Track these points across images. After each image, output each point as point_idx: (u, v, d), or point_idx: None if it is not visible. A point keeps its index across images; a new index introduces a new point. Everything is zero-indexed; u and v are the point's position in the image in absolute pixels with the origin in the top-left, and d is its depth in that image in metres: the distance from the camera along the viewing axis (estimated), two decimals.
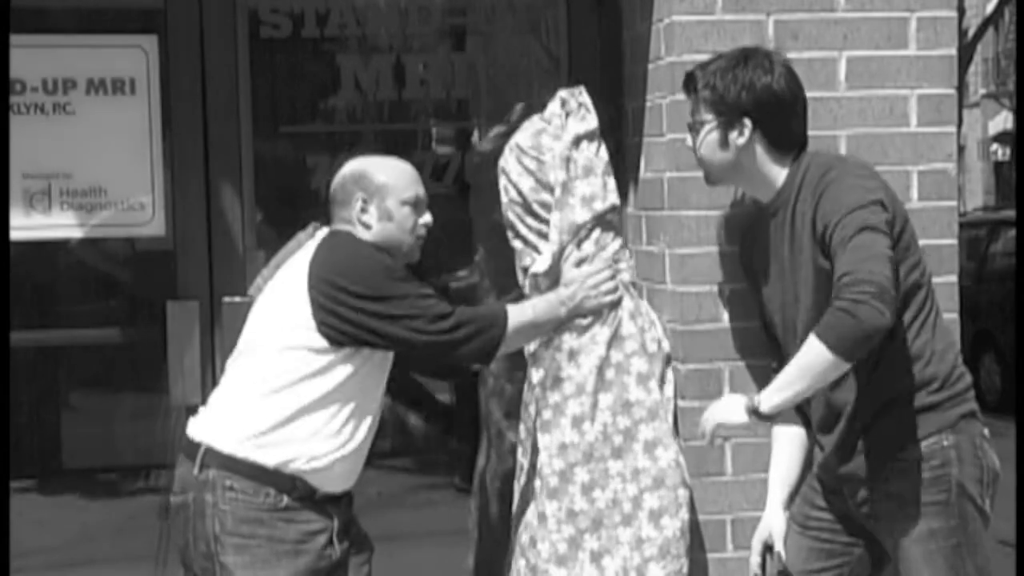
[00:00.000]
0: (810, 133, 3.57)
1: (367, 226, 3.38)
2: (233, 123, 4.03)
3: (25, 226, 3.99)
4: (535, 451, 3.60)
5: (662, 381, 3.60)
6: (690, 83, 3.37)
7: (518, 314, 3.43)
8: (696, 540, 3.60)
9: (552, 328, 3.52)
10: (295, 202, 4.54)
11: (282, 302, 3.29)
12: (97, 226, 4.07)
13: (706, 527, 3.64)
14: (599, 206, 3.57)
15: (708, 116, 3.32)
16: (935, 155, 3.69)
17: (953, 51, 3.72)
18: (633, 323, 3.58)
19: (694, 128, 3.36)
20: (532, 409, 3.63)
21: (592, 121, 3.61)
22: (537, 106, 3.75)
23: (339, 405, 3.27)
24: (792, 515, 3.47)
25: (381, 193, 3.39)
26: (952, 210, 3.71)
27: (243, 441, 3.25)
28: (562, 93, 3.66)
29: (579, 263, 3.55)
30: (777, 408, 3.13)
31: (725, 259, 3.61)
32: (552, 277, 3.56)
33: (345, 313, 3.22)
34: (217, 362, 3.97)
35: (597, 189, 3.58)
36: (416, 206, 3.42)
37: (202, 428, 3.34)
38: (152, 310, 4.13)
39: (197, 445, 3.30)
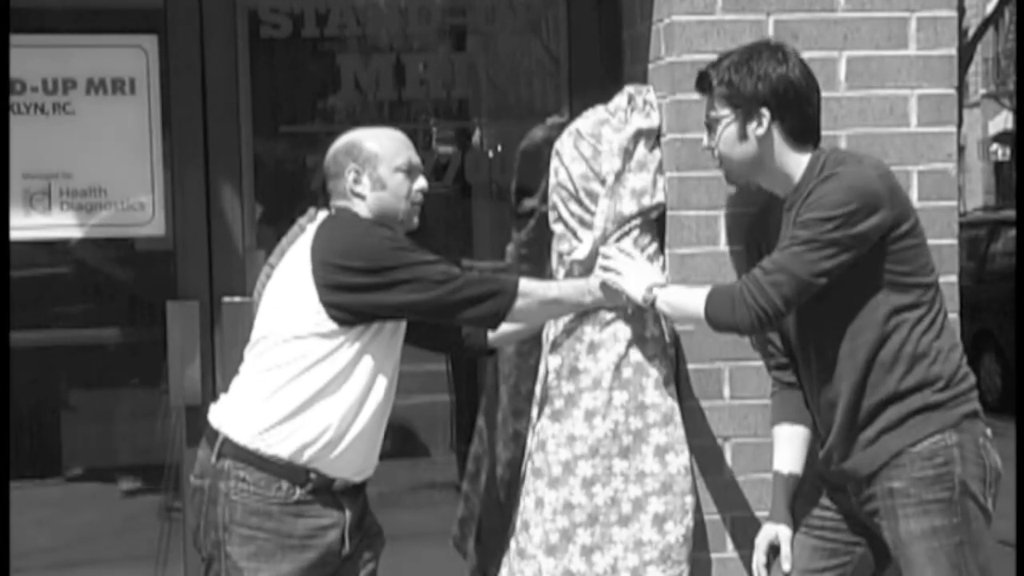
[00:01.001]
0: None
1: (361, 196, 3.37)
2: (233, 123, 4.03)
3: (25, 226, 3.99)
4: (543, 438, 3.61)
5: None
6: (704, 82, 3.37)
7: (540, 288, 3.42)
8: (696, 540, 3.60)
9: (572, 310, 3.52)
10: (295, 202, 4.53)
11: (288, 290, 3.29)
12: (97, 226, 4.07)
13: (706, 527, 3.64)
14: (647, 201, 3.59)
15: (725, 111, 3.32)
16: (935, 155, 3.69)
17: (953, 51, 3.72)
18: (658, 326, 3.58)
19: (711, 126, 3.36)
20: (545, 396, 3.64)
21: (655, 119, 3.66)
22: (536, 105, 3.76)
23: (349, 386, 3.26)
24: (796, 514, 3.47)
25: (372, 162, 3.36)
26: (952, 210, 3.71)
27: (258, 434, 3.26)
28: (629, 89, 3.70)
29: None
30: (656, 309, 3.38)
31: (725, 259, 3.61)
32: (587, 266, 3.57)
33: (350, 291, 3.22)
34: (217, 362, 3.97)
35: (647, 185, 3.60)
36: (409, 172, 3.39)
37: (221, 416, 3.35)
38: (152, 310, 4.13)
39: (216, 432, 3.32)
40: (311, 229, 3.34)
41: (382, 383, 3.32)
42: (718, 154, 3.37)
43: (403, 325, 3.39)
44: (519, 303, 3.34)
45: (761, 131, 3.29)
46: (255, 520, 3.25)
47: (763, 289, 3.15)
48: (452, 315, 3.35)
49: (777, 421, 3.49)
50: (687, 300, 3.32)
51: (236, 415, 3.31)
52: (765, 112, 3.28)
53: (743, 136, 3.31)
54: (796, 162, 3.31)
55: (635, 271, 3.44)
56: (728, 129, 3.32)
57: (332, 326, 3.23)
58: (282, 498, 3.26)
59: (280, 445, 3.25)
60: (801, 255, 3.14)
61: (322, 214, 3.40)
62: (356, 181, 3.36)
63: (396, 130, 3.48)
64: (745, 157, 3.32)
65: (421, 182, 3.43)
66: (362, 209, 3.36)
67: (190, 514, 3.35)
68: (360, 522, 3.40)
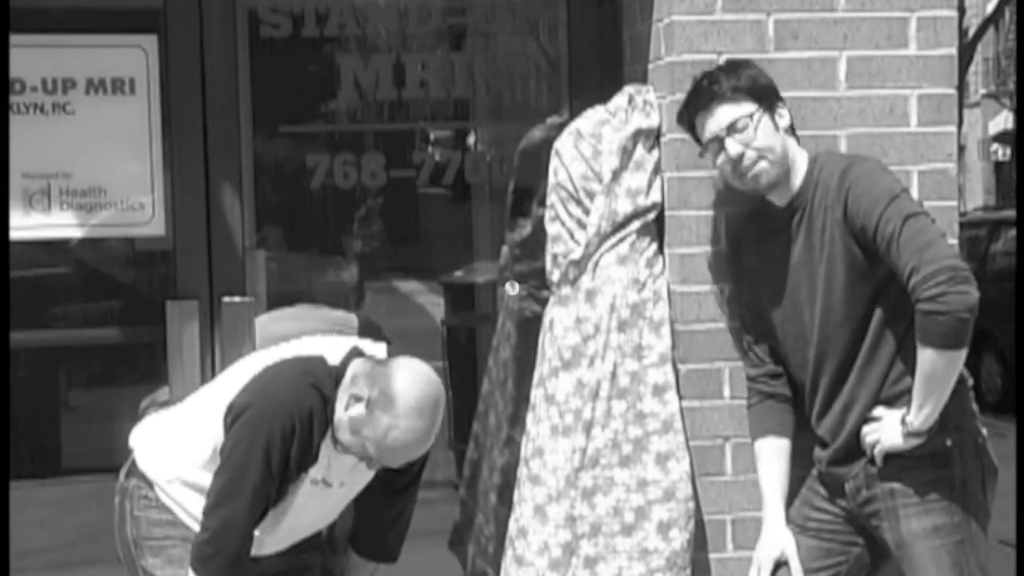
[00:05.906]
0: (810, 133, 3.58)
1: (343, 412, 3.17)
2: (233, 123, 4.02)
3: (25, 226, 3.99)
4: (538, 445, 3.60)
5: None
6: (711, 89, 3.28)
7: None
8: (696, 540, 3.60)
9: None
10: (295, 202, 4.54)
11: (222, 397, 3.27)
12: (97, 226, 4.07)
13: (706, 527, 3.64)
14: (642, 201, 3.59)
15: (750, 106, 3.27)
16: (935, 155, 3.69)
17: (953, 51, 3.72)
18: (655, 334, 3.57)
19: (737, 125, 3.26)
20: (540, 408, 3.62)
21: (655, 119, 3.65)
22: (535, 105, 3.76)
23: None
24: (791, 515, 3.48)
25: (371, 423, 3.13)
26: (952, 210, 3.71)
27: (167, 482, 3.29)
28: (629, 88, 3.70)
29: (619, 262, 3.55)
30: (930, 422, 3.15)
31: (725, 259, 3.61)
32: (583, 268, 3.56)
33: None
34: (217, 362, 3.97)
35: (643, 184, 3.60)
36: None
37: (141, 439, 3.39)
38: (152, 310, 4.13)
39: (130, 451, 3.37)
40: (273, 354, 3.29)
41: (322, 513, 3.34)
42: (757, 149, 3.26)
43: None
44: None
45: (785, 122, 3.31)
46: (159, 531, 3.28)
47: (933, 271, 3.03)
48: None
49: (761, 434, 3.47)
50: (926, 380, 3.13)
51: (154, 449, 3.34)
52: (781, 103, 3.30)
53: (776, 127, 3.30)
54: (800, 155, 3.33)
55: (883, 429, 3.26)
56: (763, 121, 3.28)
57: None
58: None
59: (180, 499, 3.27)
60: (911, 229, 3.09)
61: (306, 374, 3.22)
62: (347, 407, 3.16)
63: (427, 423, 3.16)
64: (783, 151, 3.28)
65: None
66: (341, 425, 3.16)
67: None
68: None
